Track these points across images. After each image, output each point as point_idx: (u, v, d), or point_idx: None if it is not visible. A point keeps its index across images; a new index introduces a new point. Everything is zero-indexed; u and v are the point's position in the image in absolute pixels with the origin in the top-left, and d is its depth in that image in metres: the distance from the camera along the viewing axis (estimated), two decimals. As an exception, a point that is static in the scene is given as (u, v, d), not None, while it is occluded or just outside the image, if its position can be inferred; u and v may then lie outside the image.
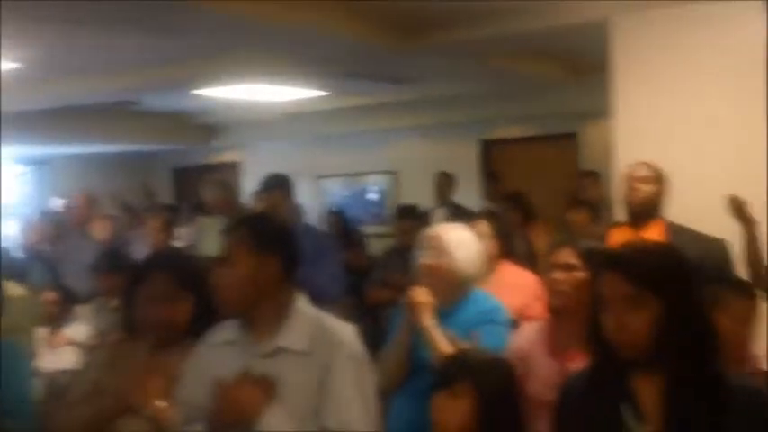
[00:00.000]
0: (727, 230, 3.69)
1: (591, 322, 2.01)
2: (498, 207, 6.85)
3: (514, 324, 3.25)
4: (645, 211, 3.70)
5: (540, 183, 8.65)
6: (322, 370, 2.28)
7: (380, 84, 7.61)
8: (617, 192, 4.18)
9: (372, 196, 10.54)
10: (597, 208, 5.44)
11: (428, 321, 3.08)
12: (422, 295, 3.12)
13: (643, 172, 3.78)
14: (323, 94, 8.39)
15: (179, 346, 2.59)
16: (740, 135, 4.65)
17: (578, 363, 2.15)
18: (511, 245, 4.27)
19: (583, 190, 7.39)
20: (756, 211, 4.31)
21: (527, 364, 2.81)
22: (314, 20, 4.93)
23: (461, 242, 3.25)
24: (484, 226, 3.94)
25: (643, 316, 1.89)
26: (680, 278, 1.96)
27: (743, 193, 4.44)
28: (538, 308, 3.32)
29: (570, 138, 9.37)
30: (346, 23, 5.23)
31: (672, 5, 4.72)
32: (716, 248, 3.55)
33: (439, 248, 3.22)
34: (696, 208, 4.06)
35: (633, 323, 1.90)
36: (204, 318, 2.56)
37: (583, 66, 7.38)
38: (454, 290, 3.23)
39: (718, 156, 4.66)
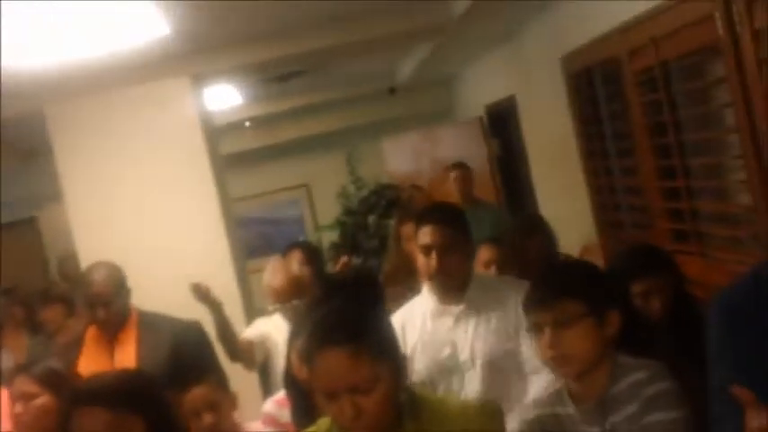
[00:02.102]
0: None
1: None
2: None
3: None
4: (111, 324, 3.55)
5: (11, 272, 8.01)
6: None
7: None
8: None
9: None
10: (72, 302, 5.21)
11: None
12: None
13: (97, 287, 3.49)
14: None
15: None
16: (193, 208, 4.85)
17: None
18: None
19: (64, 271, 7.09)
20: (224, 284, 4.55)
21: None
22: None
23: None
24: None
25: None
26: (153, 394, 1.98)
27: (209, 266, 4.67)
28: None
29: (31, 222, 8.98)
30: None
31: (101, 91, 4.75)
32: (192, 331, 3.60)
33: None
34: (168, 291, 4.10)
35: None
36: None
37: (31, 150, 7.08)
38: None
39: (177, 233, 4.80)
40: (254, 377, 3.97)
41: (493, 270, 3.72)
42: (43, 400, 2.60)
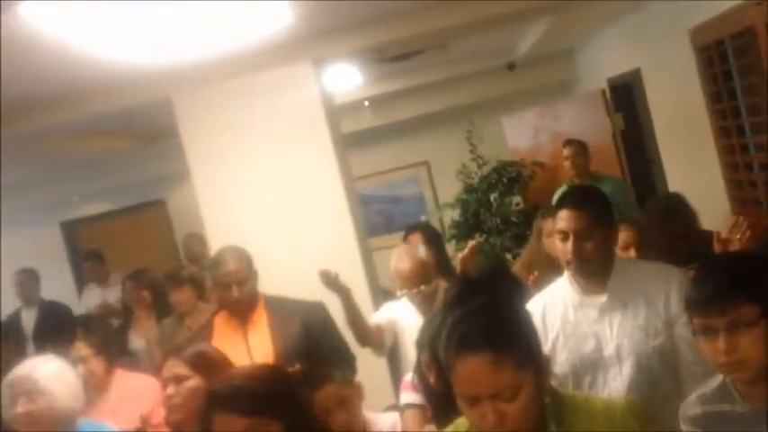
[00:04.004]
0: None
1: None
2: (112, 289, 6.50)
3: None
4: (244, 305, 3.65)
5: (141, 254, 8.32)
6: None
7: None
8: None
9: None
10: (201, 283, 5.36)
11: None
12: None
13: (231, 266, 3.62)
14: None
15: None
16: (317, 188, 4.88)
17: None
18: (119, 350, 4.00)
19: (190, 250, 7.33)
20: (350, 264, 4.59)
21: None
22: None
23: (56, 377, 2.95)
24: (82, 348, 3.63)
25: None
26: (291, 397, 1.96)
27: (334, 246, 4.72)
28: (162, 414, 3.15)
29: (159, 204, 9.30)
30: None
31: (226, 80, 4.84)
32: (318, 311, 3.66)
33: (33, 391, 2.89)
34: (294, 272, 4.18)
35: None
36: None
37: (158, 133, 7.30)
38: (61, 429, 2.94)
39: (302, 214, 4.84)
40: (382, 362, 4.00)
41: (632, 253, 3.62)
42: (193, 382, 2.65)
